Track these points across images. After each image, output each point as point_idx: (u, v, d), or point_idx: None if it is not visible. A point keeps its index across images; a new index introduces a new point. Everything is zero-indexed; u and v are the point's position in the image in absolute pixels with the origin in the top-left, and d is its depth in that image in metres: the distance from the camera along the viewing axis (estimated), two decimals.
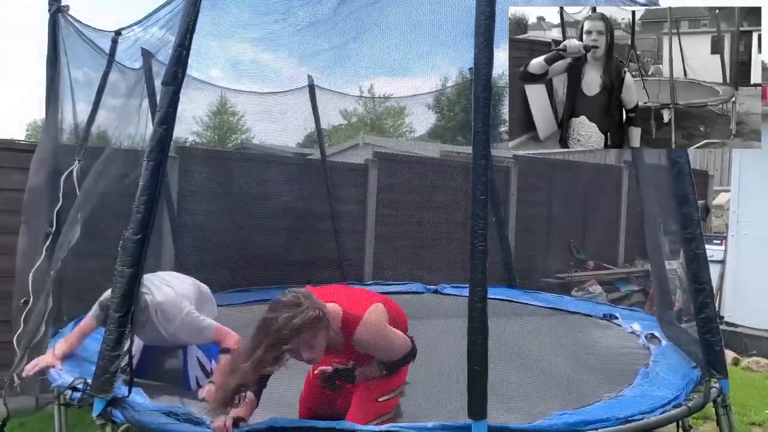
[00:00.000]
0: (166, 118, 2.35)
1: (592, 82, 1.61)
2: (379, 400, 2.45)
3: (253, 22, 3.37)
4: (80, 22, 3.79)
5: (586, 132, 1.66)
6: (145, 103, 4.05)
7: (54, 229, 3.49)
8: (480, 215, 2.09)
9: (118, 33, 3.76)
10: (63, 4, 3.74)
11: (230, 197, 5.35)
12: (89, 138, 3.88)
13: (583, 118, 1.63)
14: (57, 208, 3.53)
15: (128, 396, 2.23)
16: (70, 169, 3.68)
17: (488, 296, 2.08)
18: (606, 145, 1.76)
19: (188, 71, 2.50)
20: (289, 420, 2.18)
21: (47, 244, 3.45)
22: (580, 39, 1.72)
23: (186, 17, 2.38)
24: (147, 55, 3.97)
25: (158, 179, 2.29)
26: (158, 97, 2.47)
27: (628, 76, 1.65)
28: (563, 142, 1.77)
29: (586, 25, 1.67)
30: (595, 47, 1.67)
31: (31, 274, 3.33)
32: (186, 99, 4.37)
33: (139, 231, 2.25)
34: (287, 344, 2.10)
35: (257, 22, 3.38)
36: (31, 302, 3.29)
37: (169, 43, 2.64)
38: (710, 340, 2.65)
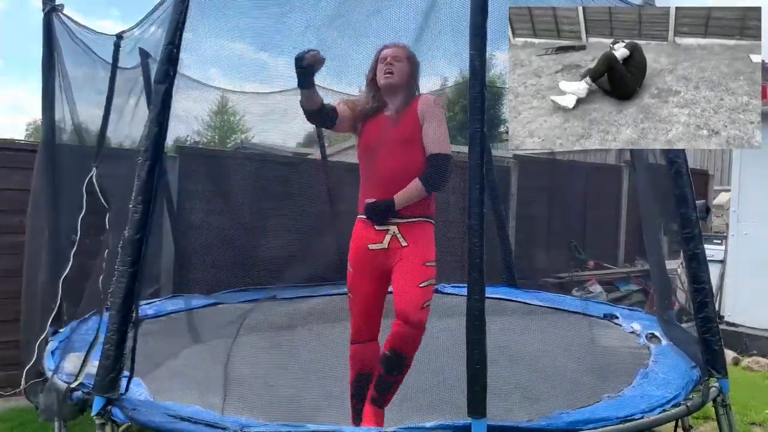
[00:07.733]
0: (160, 117, 2.35)
1: None
2: (421, 285, 2.55)
3: (253, 22, 3.37)
4: (74, 21, 3.78)
5: None
6: (142, 102, 4.05)
7: (78, 236, 3.50)
8: (477, 213, 2.09)
9: (119, 37, 3.76)
10: (57, 3, 3.72)
11: (230, 197, 5.35)
12: (104, 143, 3.91)
13: None
14: (81, 215, 3.56)
15: (125, 392, 2.22)
16: (90, 175, 3.70)
17: (488, 296, 2.08)
18: None
19: (188, 72, 2.51)
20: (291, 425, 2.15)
21: (74, 250, 3.46)
22: None
23: (175, 14, 2.39)
24: (144, 55, 3.96)
25: (154, 178, 2.30)
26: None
27: None
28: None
29: None
30: None
31: (60, 281, 3.38)
32: (186, 99, 4.37)
33: (138, 230, 2.26)
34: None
35: (257, 22, 3.38)
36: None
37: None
38: (710, 340, 2.66)
